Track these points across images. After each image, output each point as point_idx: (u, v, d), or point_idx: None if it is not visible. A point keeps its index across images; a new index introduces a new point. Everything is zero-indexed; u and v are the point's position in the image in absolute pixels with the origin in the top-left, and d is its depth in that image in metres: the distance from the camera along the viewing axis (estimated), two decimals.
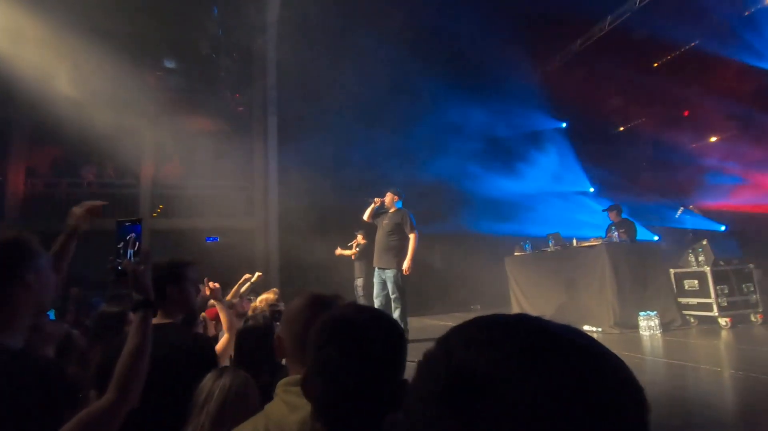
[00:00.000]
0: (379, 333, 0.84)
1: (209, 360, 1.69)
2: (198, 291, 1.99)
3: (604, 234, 6.42)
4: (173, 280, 1.81)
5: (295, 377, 0.97)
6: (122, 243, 1.31)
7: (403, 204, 5.72)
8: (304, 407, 0.88)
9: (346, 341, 0.82)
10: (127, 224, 1.34)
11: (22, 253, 1.10)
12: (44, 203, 9.75)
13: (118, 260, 1.29)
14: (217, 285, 2.81)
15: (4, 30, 8.42)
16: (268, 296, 3.45)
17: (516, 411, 0.31)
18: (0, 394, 0.97)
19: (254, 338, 2.11)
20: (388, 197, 5.67)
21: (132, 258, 1.29)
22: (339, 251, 8.08)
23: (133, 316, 1.22)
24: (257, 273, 4.61)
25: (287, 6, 9.96)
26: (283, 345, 1.11)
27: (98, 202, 1.60)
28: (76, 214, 1.53)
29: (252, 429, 0.94)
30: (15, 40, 8.53)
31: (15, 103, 9.68)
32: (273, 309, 3.14)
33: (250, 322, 2.29)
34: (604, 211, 6.80)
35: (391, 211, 5.63)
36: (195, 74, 10.71)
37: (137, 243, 1.30)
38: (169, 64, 11.01)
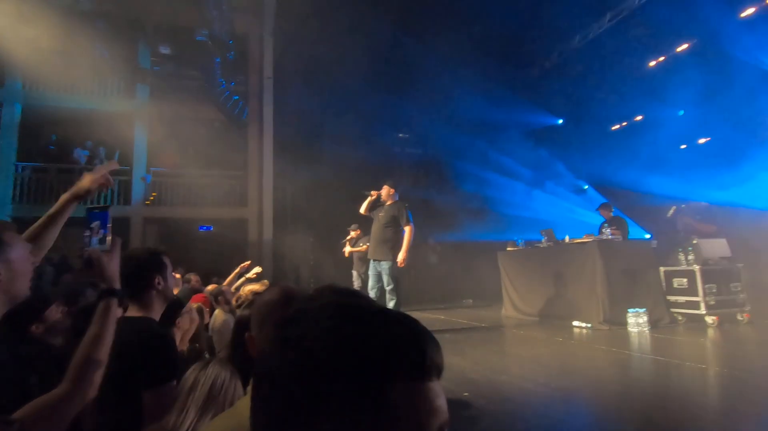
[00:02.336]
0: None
1: (167, 365, 1.56)
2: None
3: (597, 232, 6.47)
4: (159, 268, 1.72)
5: None
6: (88, 231, 1.28)
7: (399, 196, 5.74)
8: None
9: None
10: (95, 211, 1.31)
11: None
12: (34, 189, 9.65)
13: (85, 248, 1.25)
14: (177, 275, 2.74)
15: None
16: (255, 287, 3.41)
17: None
18: None
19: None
20: (385, 190, 5.68)
21: (97, 246, 1.25)
22: (348, 250, 7.73)
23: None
24: (255, 269, 4.58)
25: None
26: (255, 343, 1.07)
27: (114, 165, 1.55)
28: (91, 177, 1.48)
29: (220, 426, 0.92)
30: (7, 22, 8.37)
31: (6, 87, 9.54)
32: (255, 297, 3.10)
33: (245, 311, 2.24)
34: (597, 210, 6.85)
35: (388, 203, 5.65)
36: (190, 61, 10.58)
37: (101, 231, 1.27)
38: (165, 50, 10.86)
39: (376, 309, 0.46)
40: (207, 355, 2.59)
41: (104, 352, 1.09)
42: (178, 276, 2.79)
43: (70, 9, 8.45)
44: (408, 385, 0.41)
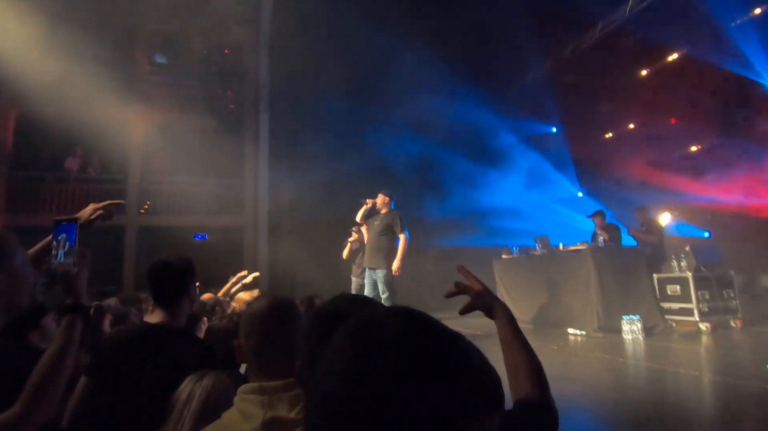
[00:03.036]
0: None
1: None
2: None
3: (590, 239, 6.52)
4: (193, 277, 1.67)
5: (252, 385, 0.95)
6: (54, 243, 1.24)
7: (394, 205, 5.77)
8: (257, 416, 0.87)
9: (331, 327, 0.80)
10: (63, 223, 1.27)
11: None
12: (29, 197, 9.59)
13: (51, 261, 1.21)
14: None
15: None
16: (244, 296, 3.36)
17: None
18: None
19: (221, 338, 1.95)
20: (380, 198, 5.72)
21: (63, 260, 1.21)
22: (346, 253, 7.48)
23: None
24: (253, 274, 4.57)
25: (281, 4, 9.93)
26: (243, 351, 1.06)
27: (118, 201, 1.54)
28: (94, 207, 1.47)
29: None
30: (5, 30, 8.38)
31: (1, 95, 9.51)
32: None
33: (217, 321, 2.12)
34: (589, 217, 6.89)
35: (383, 212, 5.68)
36: (186, 70, 10.61)
37: (67, 244, 1.23)
38: (161, 59, 10.89)
39: (453, 332, 0.45)
40: None
41: (65, 369, 1.04)
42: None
43: (64, 16, 8.47)
44: (485, 419, 0.41)
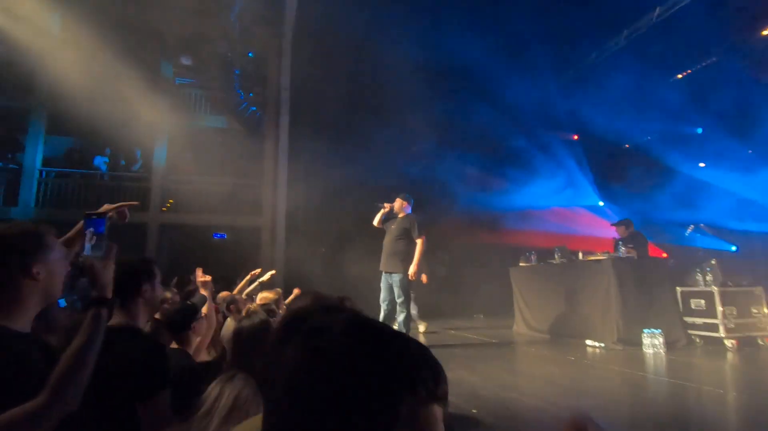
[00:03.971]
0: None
1: (157, 376, 1.51)
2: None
3: (612, 249, 6.38)
4: (149, 277, 1.68)
5: None
6: (84, 236, 1.27)
7: (412, 209, 5.77)
8: None
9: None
10: (92, 217, 1.30)
11: (29, 245, 1.13)
12: (57, 193, 9.92)
13: (80, 255, 1.24)
14: (208, 278, 2.73)
15: (28, 22, 8.62)
16: (267, 295, 3.36)
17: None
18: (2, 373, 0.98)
19: (250, 338, 1.92)
20: (398, 203, 5.72)
21: (90, 253, 1.23)
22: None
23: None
24: (270, 272, 4.59)
25: (304, 8, 10.08)
26: None
27: (131, 203, 1.57)
28: (109, 206, 1.49)
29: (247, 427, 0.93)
30: (38, 32, 8.72)
31: (35, 94, 9.89)
32: (266, 308, 3.05)
33: (244, 322, 2.19)
34: (613, 224, 6.74)
35: (400, 216, 5.69)
36: (211, 72, 10.85)
37: (95, 238, 1.25)
38: (186, 61, 11.17)
39: (395, 331, 0.49)
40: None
41: (90, 363, 1.06)
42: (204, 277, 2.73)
43: (93, 19, 8.76)
44: (418, 406, 0.44)
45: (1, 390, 0.96)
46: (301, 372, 0.44)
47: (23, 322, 1.11)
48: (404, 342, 0.48)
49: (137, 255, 1.79)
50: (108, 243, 1.25)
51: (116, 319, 1.62)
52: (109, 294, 1.18)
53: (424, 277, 7.15)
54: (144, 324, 1.73)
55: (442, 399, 0.47)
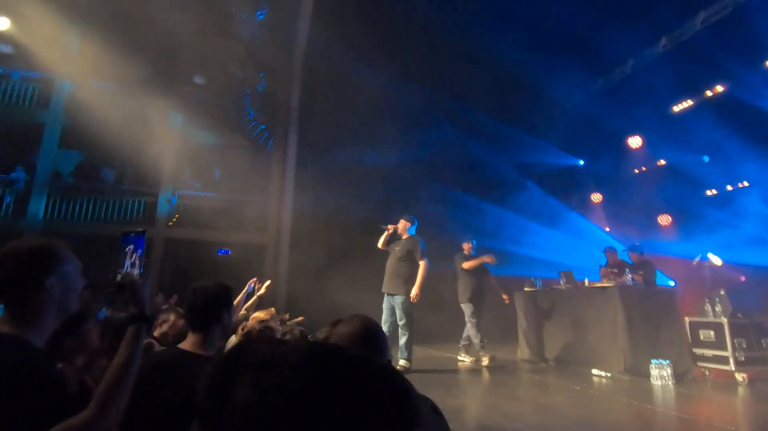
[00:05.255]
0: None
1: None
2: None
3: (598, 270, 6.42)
4: (228, 305, 1.72)
5: None
6: (122, 254, 1.31)
7: (415, 231, 5.77)
8: None
9: None
10: (131, 235, 1.33)
11: (44, 260, 1.15)
12: (66, 205, 10.02)
13: (118, 271, 1.28)
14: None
15: (46, 41, 8.91)
16: (260, 315, 3.31)
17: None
18: (13, 385, 0.98)
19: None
20: (401, 224, 5.74)
21: (129, 270, 1.28)
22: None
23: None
24: (266, 283, 4.51)
25: (316, 30, 10.34)
26: None
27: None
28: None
29: None
30: (54, 49, 8.99)
31: (50, 109, 10.12)
32: (264, 326, 2.98)
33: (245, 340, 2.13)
34: (624, 251, 6.68)
35: (404, 237, 5.68)
36: (222, 91, 11.07)
37: (134, 255, 1.29)
38: (198, 80, 11.42)
39: (357, 357, 0.45)
40: None
41: (131, 379, 1.09)
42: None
43: (108, 37, 9.02)
44: None
45: (17, 402, 0.98)
46: (257, 420, 0.39)
47: (39, 335, 1.14)
48: (367, 370, 0.44)
49: (217, 281, 1.80)
50: (146, 261, 1.30)
51: (189, 343, 1.66)
52: (148, 311, 1.21)
53: (505, 297, 6.94)
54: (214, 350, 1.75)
55: (414, 427, 0.43)
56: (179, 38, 9.71)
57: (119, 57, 8.98)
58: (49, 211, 9.85)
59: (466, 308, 6.35)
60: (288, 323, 3.16)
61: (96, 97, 9.39)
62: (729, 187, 9.20)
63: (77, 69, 9.52)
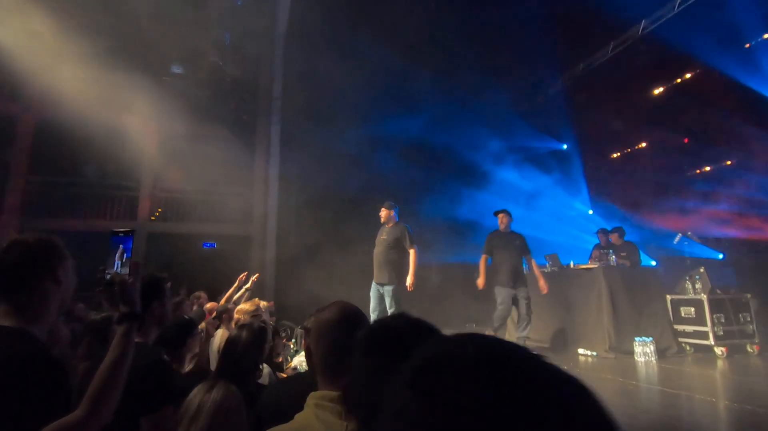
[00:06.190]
0: (419, 340, 0.81)
1: (163, 387, 1.51)
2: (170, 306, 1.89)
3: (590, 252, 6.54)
4: (159, 295, 1.71)
5: (330, 393, 0.95)
6: (113, 254, 1.32)
7: (399, 216, 5.65)
8: (336, 426, 0.87)
9: (390, 350, 0.78)
10: (120, 235, 1.35)
11: (55, 251, 1.21)
12: (43, 202, 9.74)
13: (107, 271, 1.29)
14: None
15: (15, 29, 8.54)
16: (244, 307, 3.30)
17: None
18: (21, 380, 1.00)
19: (243, 347, 1.93)
20: (383, 212, 5.58)
21: (119, 269, 1.29)
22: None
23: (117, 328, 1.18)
24: (252, 277, 4.49)
25: (296, 18, 10.13)
26: (313, 358, 1.08)
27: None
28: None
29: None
30: (24, 38, 8.63)
31: (21, 101, 9.75)
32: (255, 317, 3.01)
33: (241, 332, 2.10)
34: (608, 232, 6.78)
35: (389, 225, 5.54)
36: (202, 81, 10.79)
37: (125, 255, 1.31)
38: (177, 70, 11.11)
39: (542, 366, 0.37)
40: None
41: (123, 377, 1.10)
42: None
43: (83, 26, 8.70)
44: None
45: (26, 396, 1.00)
46: (416, 420, 0.34)
47: (41, 328, 1.16)
48: (555, 382, 0.37)
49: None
50: (134, 261, 1.29)
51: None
52: (138, 309, 1.21)
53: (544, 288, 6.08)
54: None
55: None
56: (157, 27, 9.41)
57: (95, 48, 8.67)
58: (27, 207, 9.56)
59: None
60: (251, 310, 3.19)
61: (71, 88, 9.07)
62: (707, 168, 9.42)
63: (52, 60, 9.15)
